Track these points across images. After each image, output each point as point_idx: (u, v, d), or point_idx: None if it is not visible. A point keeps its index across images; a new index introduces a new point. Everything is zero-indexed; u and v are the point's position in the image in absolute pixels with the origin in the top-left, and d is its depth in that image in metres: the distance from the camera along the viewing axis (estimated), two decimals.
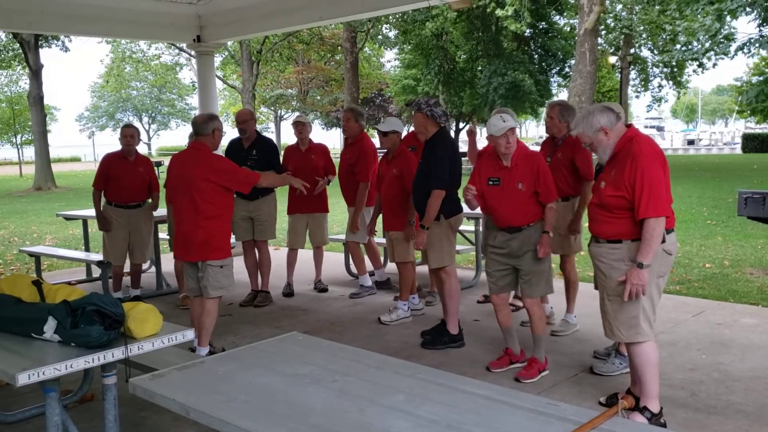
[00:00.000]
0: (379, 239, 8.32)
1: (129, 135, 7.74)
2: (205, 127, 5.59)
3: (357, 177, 7.71)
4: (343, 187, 7.96)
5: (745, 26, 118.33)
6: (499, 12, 31.12)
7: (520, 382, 5.16)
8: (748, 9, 21.29)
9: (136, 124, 75.53)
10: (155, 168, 8.05)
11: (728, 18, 22.35)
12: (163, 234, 8.97)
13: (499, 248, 5.28)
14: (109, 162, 7.79)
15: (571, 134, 4.76)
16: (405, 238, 6.56)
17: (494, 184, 5.22)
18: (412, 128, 7.18)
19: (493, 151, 5.32)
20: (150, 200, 7.98)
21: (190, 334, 3.84)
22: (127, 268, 8.14)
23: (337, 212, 13.94)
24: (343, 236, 9.04)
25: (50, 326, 3.54)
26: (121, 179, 7.70)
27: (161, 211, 8.07)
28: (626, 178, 4.09)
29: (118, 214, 7.77)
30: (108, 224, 7.77)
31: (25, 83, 42.12)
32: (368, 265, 8.40)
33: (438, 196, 5.90)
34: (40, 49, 30.20)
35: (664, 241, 4.12)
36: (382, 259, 8.64)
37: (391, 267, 7.91)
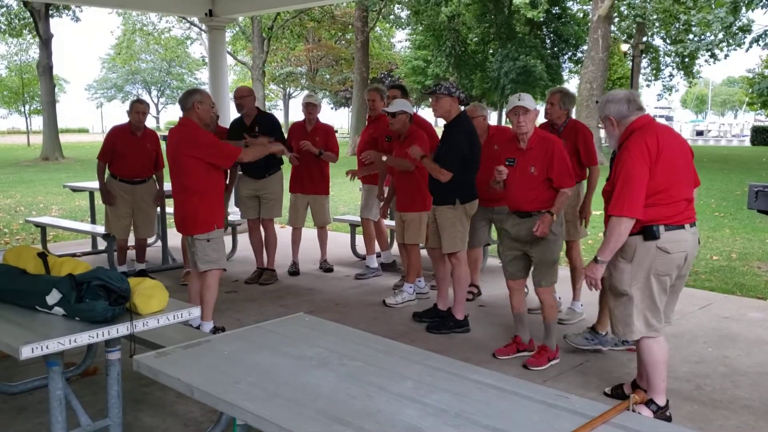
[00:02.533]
0: (387, 221, 8.28)
1: (141, 111, 7.65)
2: (185, 102, 5.58)
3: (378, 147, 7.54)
4: (360, 165, 7.88)
5: (761, 18, 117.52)
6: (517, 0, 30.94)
7: (528, 369, 5.14)
8: (764, 1, 21.10)
9: (145, 96, 75.70)
10: (162, 142, 7.96)
11: (744, 10, 22.18)
12: (170, 209, 8.94)
13: (510, 232, 5.25)
14: (116, 136, 7.69)
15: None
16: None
17: (510, 164, 5.16)
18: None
19: (513, 133, 5.27)
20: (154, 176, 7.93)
21: (196, 312, 3.81)
22: (132, 241, 8.12)
23: (344, 192, 13.92)
24: (350, 216, 9.01)
25: (54, 297, 3.51)
26: (128, 154, 7.62)
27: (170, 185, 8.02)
28: (614, 172, 4.09)
29: (122, 188, 7.71)
30: (112, 198, 7.72)
31: (34, 52, 42.00)
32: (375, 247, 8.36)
33: (444, 175, 5.86)
34: (50, 19, 30.10)
35: (657, 237, 4.03)
36: (388, 240, 8.59)
37: (396, 249, 7.88)
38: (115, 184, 7.74)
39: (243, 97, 7.61)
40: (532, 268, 5.29)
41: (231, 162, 5.79)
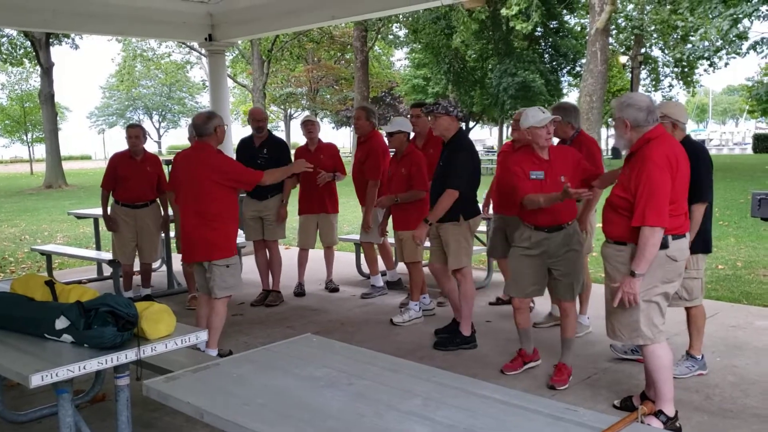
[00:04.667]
0: (391, 239, 8.29)
1: (134, 135, 7.68)
2: (206, 127, 5.54)
3: (366, 175, 7.67)
4: (356, 186, 7.93)
5: (758, 26, 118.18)
6: (504, 11, 31.01)
7: (555, 389, 5.08)
8: (762, 10, 21.17)
9: (146, 122, 76.08)
10: (165, 167, 8.01)
11: (741, 19, 22.30)
12: (172, 233, 8.97)
13: (533, 249, 5.12)
14: (116, 162, 7.75)
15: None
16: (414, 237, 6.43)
17: (537, 178, 5.02)
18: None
19: (525, 147, 5.24)
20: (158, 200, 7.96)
21: (203, 336, 3.82)
22: (137, 266, 8.13)
23: (348, 212, 13.95)
24: (354, 236, 9.02)
25: (62, 325, 3.52)
26: (129, 179, 7.66)
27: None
28: (633, 181, 4.07)
29: (125, 213, 7.74)
30: (115, 225, 7.75)
31: (35, 81, 42.24)
32: (380, 265, 8.36)
33: (451, 195, 5.83)
34: (51, 47, 30.28)
35: (667, 247, 4.08)
36: (394, 259, 8.60)
37: (402, 267, 7.89)
38: (117, 209, 7.76)
39: (264, 119, 7.77)
40: (554, 284, 5.21)
41: (253, 185, 5.79)
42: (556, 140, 6.23)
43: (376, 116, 7.92)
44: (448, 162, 5.96)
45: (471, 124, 45.73)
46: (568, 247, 5.05)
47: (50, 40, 30.21)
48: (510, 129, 7.10)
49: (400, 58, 63.33)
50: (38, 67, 30.87)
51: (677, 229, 4.13)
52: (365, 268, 8.70)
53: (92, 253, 9.43)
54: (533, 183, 5.00)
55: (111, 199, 7.82)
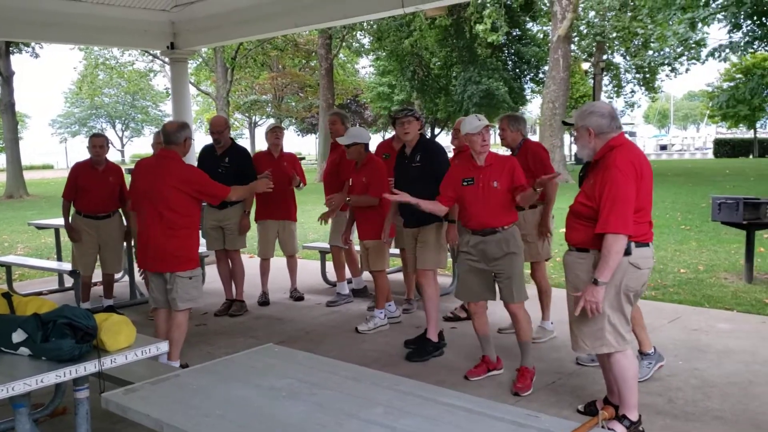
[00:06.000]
0: (357, 247, 8.27)
1: (98, 145, 7.59)
2: (177, 135, 5.46)
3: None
4: (327, 191, 7.89)
5: (716, 32, 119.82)
6: (478, 27, 31.27)
7: (520, 396, 5.08)
8: (719, 16, 21.54)
9: (109, 131, 75.32)
10: (127, 176, 7.92)
11: (700, 25, 22.66)
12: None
13: (472, 253, 5.23)
14: (78, 172, 7.65)
15: (568, 121, 4.69)
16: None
17: (468, 184, 5.18)
18: (388, 136, 7.23)
19: (466, 154, 5.34)
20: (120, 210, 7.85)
21: (164, 347, 3.78)
22: (98, 277, 8.02)
23: (312, 219, 13.88)
24: (319, 243, 9.00)
25: (19, 337, 3.46)
26: (91, 189, 7.56)
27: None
28: (597, 188, 4.06)
29: (87, 224, 7.64)
30: (77, 235, 7.65)
31: None
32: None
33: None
34: (11, 56, 29.88)
35: (630, 253, 4.07)
36: (359, 266, 8.57)
37: (367, 275, 7.87)
38: (80, 220, 7.67)
39: (221, 131, 7.63)
40: (498, 288, 5.27)
41: (220, 200, 5.73)
42: (505, 150, 6.35)
43: (350, 121, 7.98)
44: (427, 162, 6.05)
45: (437, 130, 45.85)
46: (506, 249, 5.12)
47: (10, 49, 29.80)
48: (451, 138, 7.23)
49: (365, 66, 63.40)
50: None
51: (641, 237, 4.11)
52: (331, 276, 8.67)
53: (53, 264, 9.30)
54: (465, 189, 5.20)
55: (72, 210, 7.72)
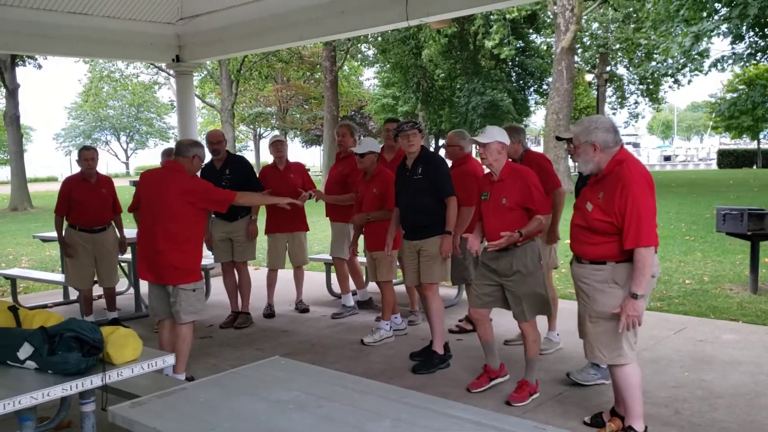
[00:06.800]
0: (361, 258, 8.26)
1: (90, 158, 7.55)
2: (187, 150, 5.49)
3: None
4: (329, 204, 7.91)
5: (719, 43, 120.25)
6: (488, 43, 31.39)
7: (512, 405, 5.07)
8: (723, 29, 21.55)
9: (114, 143, 75.31)
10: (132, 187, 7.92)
11: (704, 39, 22.68)
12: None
13: (488, 265, 5.21)
14: (70, 185, 7.61)
15: (563, 136, 4.69)
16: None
17: (484, 198, 5.22)
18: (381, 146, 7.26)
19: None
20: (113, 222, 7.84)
21: (170, 360, 3.78)
22: (98, 290, 8.01)
23: (318, 231, 13.89)
24: (324, 255, 8.99)
25: (26, 351, 3.46)
26: (84, 202, 7.52)
27: (134, 231, 7.94)
28: (616, 204, 4.05)
29: (83, 238, 7.60)
30: (72, 250, 7.61)
31: (0, 103, 41.77)
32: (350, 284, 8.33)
33: (455, 202, 6.00)
34: (16, 68, 29.98)
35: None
36: (364, 278, 8.56)
37: (372, 286, 7.87)
38: (74, 234, 7.62)
39: (219, 142, 7.67)
40: (512, 303, 5.19)
41: (227, 205, 5.65)
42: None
43: (358, 132, 8.00)
44: (427, 174, 6.05)
45: (441, 141, 45.90)
46: (517, 268, 5.05)
47: (15, 61, 29.91)
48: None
49: (369, 77, 63.56)
50: (3, 89, 30.50)
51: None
52: (336, 288, 8.67)
53: (58, 277, 9.31)
54: (483, 203, 5.26)
55: (65, 224, 7.69)
